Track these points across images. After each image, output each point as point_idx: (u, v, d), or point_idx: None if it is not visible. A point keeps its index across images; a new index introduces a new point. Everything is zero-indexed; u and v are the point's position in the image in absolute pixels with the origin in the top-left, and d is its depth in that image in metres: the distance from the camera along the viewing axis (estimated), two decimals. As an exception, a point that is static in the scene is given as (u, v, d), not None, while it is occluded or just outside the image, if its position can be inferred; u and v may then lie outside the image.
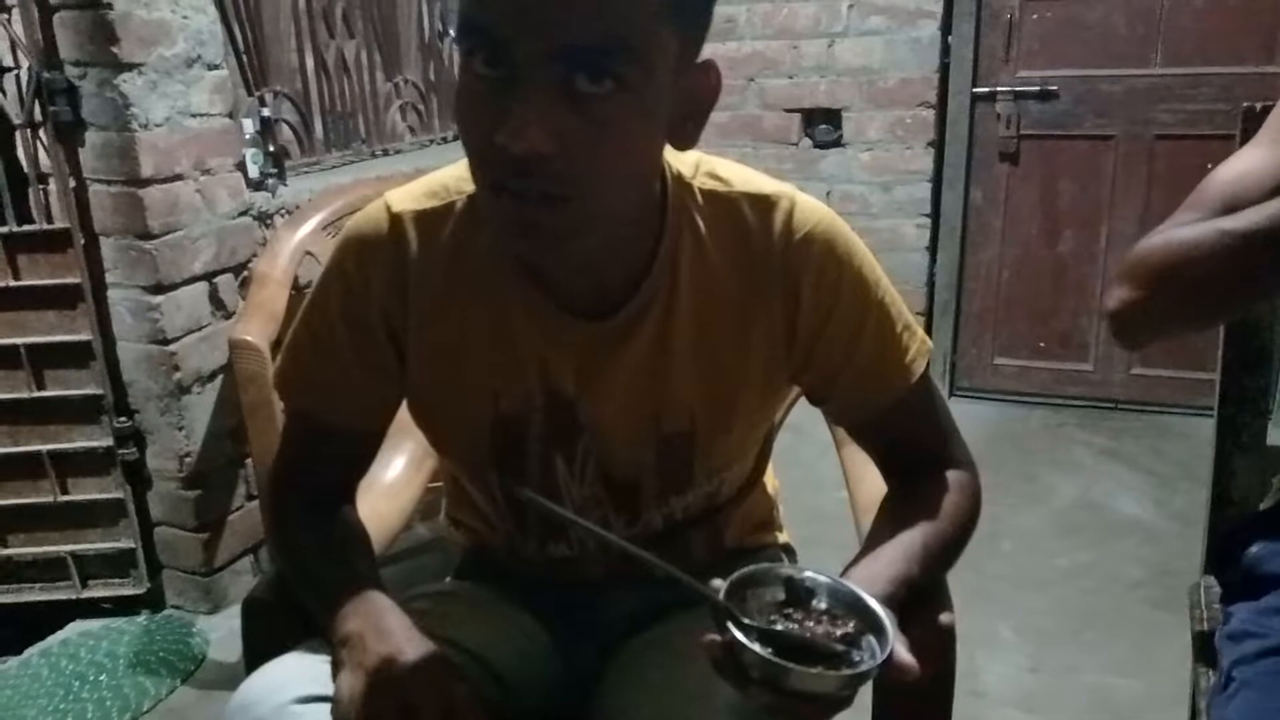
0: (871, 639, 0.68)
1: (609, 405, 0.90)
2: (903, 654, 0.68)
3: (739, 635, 0.65)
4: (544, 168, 0.69)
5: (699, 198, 0.88)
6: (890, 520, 0.88)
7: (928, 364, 0.93)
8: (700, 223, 0.88)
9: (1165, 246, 0.90)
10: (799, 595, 0.71)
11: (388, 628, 0.79)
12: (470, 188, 0.89)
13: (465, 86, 0.73)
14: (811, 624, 0.69)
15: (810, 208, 0.89)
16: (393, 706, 0.74)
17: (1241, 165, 0.95)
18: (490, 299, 0.88)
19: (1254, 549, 1.06)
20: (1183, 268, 0.89)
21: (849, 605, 0.71)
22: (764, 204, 0.88)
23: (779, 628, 0.68)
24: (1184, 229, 0.90)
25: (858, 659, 0.67)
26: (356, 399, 0.93)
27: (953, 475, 0.93)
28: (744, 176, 0.90)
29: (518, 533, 1.00)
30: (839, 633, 0.68)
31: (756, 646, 0.65)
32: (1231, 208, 0.89)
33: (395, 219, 0.89)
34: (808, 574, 0.72)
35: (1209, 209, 0.92)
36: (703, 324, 0.88)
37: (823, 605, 0.71)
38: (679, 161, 0.88)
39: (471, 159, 0.75)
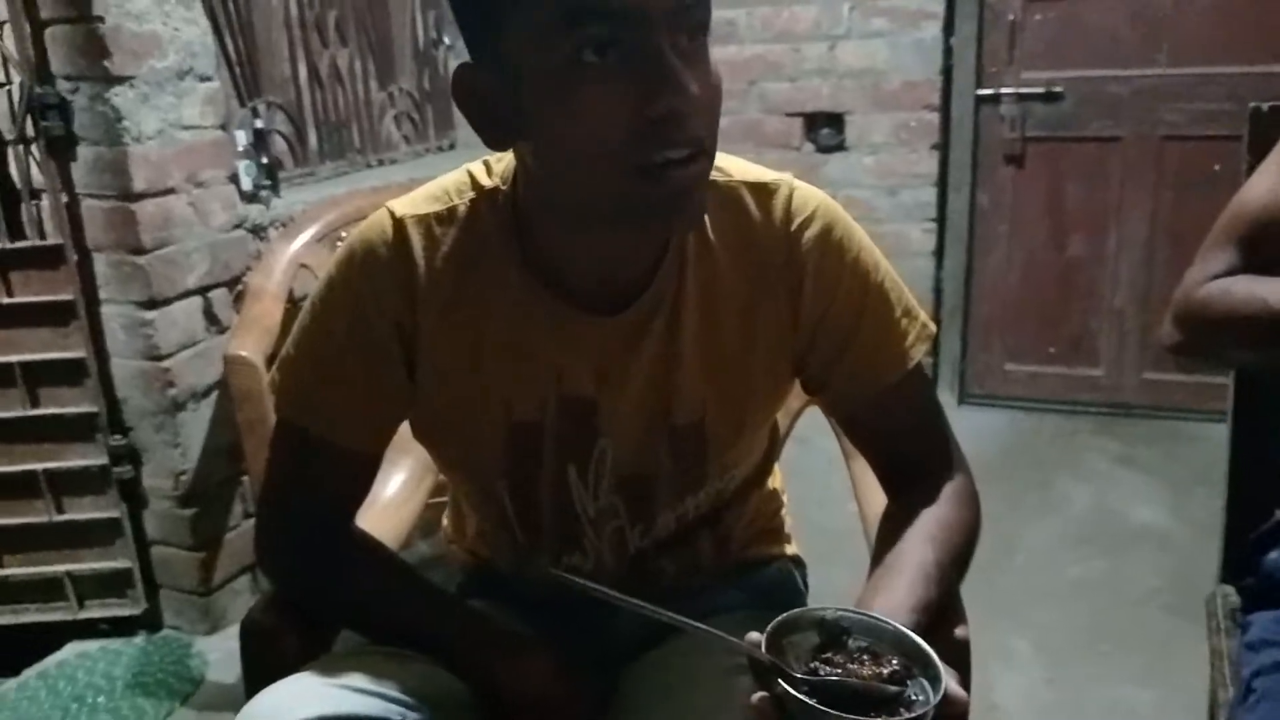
0: (917, 673, 0.66)
1: (625, 403, 0.89)
2: (954, 688, 0.66)
3: (794, 692, 0.62)
4: (700, 120, 0.72)
5: None
6: (897, 540, 0.86)
7: (932, 349, 0.92)
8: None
9: (1219, 311, 1.00)
10: (834, 637, 0.69)
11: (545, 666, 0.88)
12: (469, 194, 0.87)
13: (578, 85, 0.71)
14: (854, 666, 0.67)
15: (808, 194, 0.90)
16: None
17: (1265, 192, 1.02)
18: (500, 305, 0.87)
19: (1272, 556, 1.07)
20: (1230, 338, 1.02)
21: (888, 641, 0.69)
22: (764, 192, 0.89)
23: (826, 675, 0.65)
24: (1236, 291, 0.99)
25: (913, 699, 0.64)
26: (364, 420, 0.90)
27: (952, 484, 0.92)
28: (741, 166, 0.91)
29: (533, 545, 0.97)
30: (885, 672, 0.66)
31: (814, 702, 0.62)
32: (1265, 240, 1.00)
33: (399, 224, 0.86)
34: (840, 613, 0.70)
35: (1243, 244, 1.02)
36: (709, 312, 0.88)
37: (862, 643, 0.69)
38: None
39: (602, 157, 0.72)
